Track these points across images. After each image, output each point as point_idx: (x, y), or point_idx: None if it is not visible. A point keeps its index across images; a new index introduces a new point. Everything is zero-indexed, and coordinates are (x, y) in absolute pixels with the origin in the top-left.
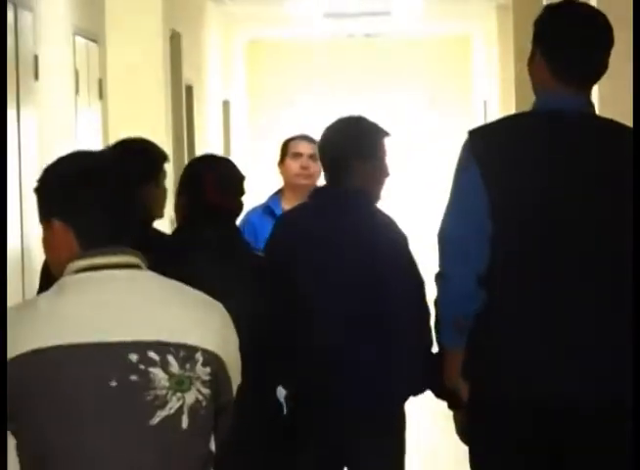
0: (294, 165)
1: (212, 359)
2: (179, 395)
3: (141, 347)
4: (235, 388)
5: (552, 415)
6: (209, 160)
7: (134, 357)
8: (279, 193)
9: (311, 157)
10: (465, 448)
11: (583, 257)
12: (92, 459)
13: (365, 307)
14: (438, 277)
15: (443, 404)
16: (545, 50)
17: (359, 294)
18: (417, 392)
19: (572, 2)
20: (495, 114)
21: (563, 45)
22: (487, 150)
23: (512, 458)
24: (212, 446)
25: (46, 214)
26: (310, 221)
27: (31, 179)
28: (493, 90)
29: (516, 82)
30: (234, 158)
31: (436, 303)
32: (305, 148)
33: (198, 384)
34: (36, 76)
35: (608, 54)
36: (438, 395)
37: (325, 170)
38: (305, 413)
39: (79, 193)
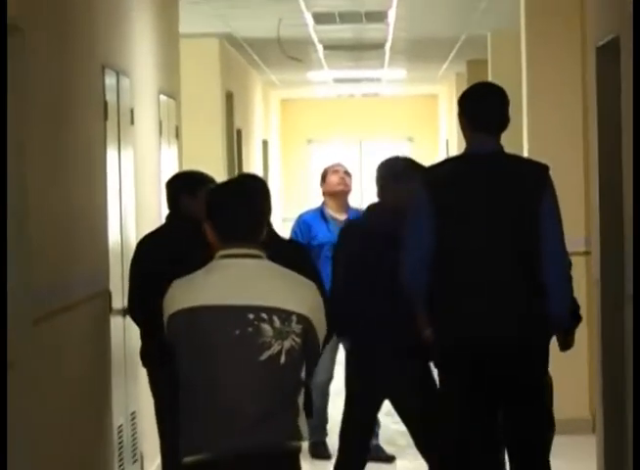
0: (334, 178)
1: (303, 319)
2: (279, 341)
3: (256, 309)
4: (321, 337)
5: (485, 352)
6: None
7: (251, 316)
8: (324, 203)
9: (345, 173)
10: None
11: (500, 244)
12: (220, 381)
13: (390, 280)
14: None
15: None
16: (467, 116)
17: (391, 271)
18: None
19: (478, 83)
20: (454, 149)
21: (477, 111)
22: (432, 182)
23: (462, 388)
24: (303, 375)
25: (205, 217)
26: (363, 225)
27: (130, 199)
28: (453, 133)
29: None
30: (271, 180)
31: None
32: (341, 167)
33: (292, 335)
34: (132, 123)
35: (507, 111)
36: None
37: (377, 191)
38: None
39: (221, 206)
